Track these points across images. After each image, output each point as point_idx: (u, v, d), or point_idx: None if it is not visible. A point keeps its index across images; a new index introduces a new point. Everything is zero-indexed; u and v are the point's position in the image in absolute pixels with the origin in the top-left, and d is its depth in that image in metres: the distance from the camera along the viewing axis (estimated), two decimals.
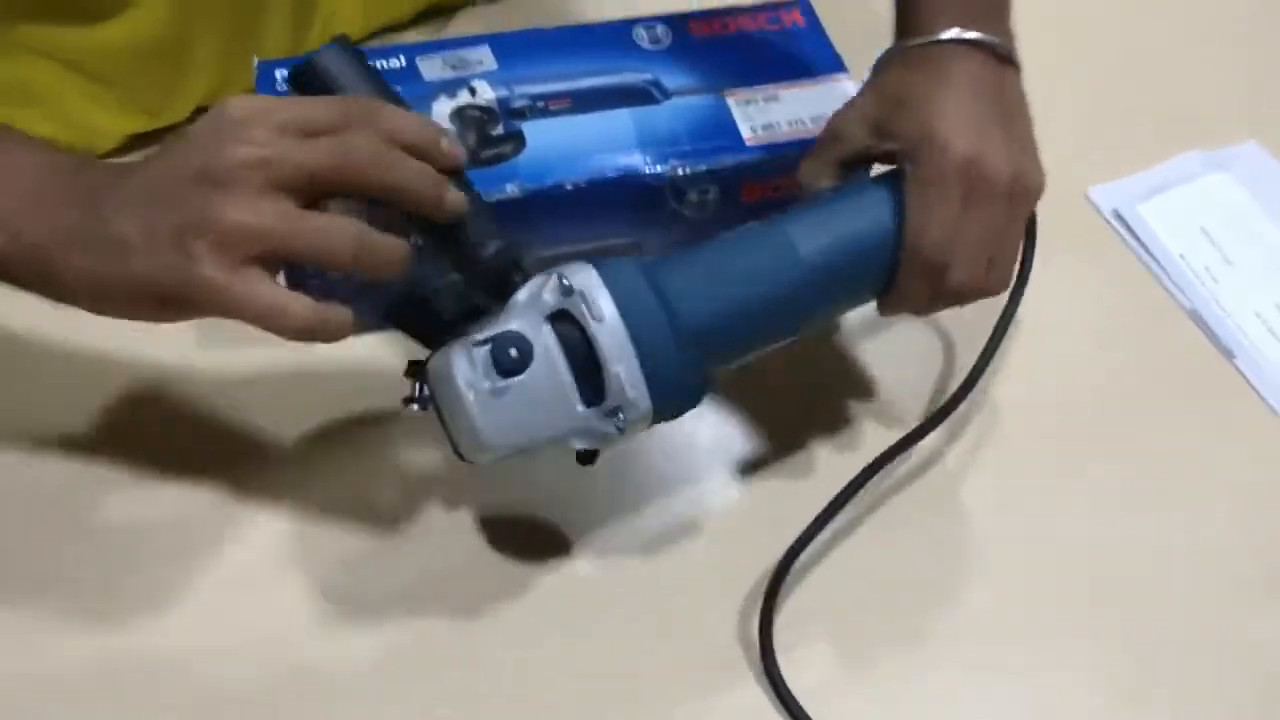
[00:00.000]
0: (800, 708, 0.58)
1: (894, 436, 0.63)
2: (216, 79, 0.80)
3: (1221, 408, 0.71)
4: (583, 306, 0.52)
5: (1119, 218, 0.78)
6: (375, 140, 0.50)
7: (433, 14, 0.89)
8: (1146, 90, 0.87)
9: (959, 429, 0.69)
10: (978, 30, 0.60)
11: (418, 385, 0.54)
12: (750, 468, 0.67)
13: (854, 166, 0.62)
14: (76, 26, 0.74)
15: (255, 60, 0.71)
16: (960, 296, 0.60)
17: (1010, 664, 0.61)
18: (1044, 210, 0.79)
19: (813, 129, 0.66)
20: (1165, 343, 0.74)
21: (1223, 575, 0.64)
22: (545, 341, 0.52)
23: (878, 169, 0.62)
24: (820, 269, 0.58)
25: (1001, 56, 0.60)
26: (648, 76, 0.70)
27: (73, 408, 0.66)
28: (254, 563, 0.61)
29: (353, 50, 0.54)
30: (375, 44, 0.85)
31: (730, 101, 0.69)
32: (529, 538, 0.63)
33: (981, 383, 0.69)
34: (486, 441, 0.52)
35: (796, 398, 0.70)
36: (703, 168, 0.67)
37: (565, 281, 0.52)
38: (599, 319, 0.52)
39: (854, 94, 0.65)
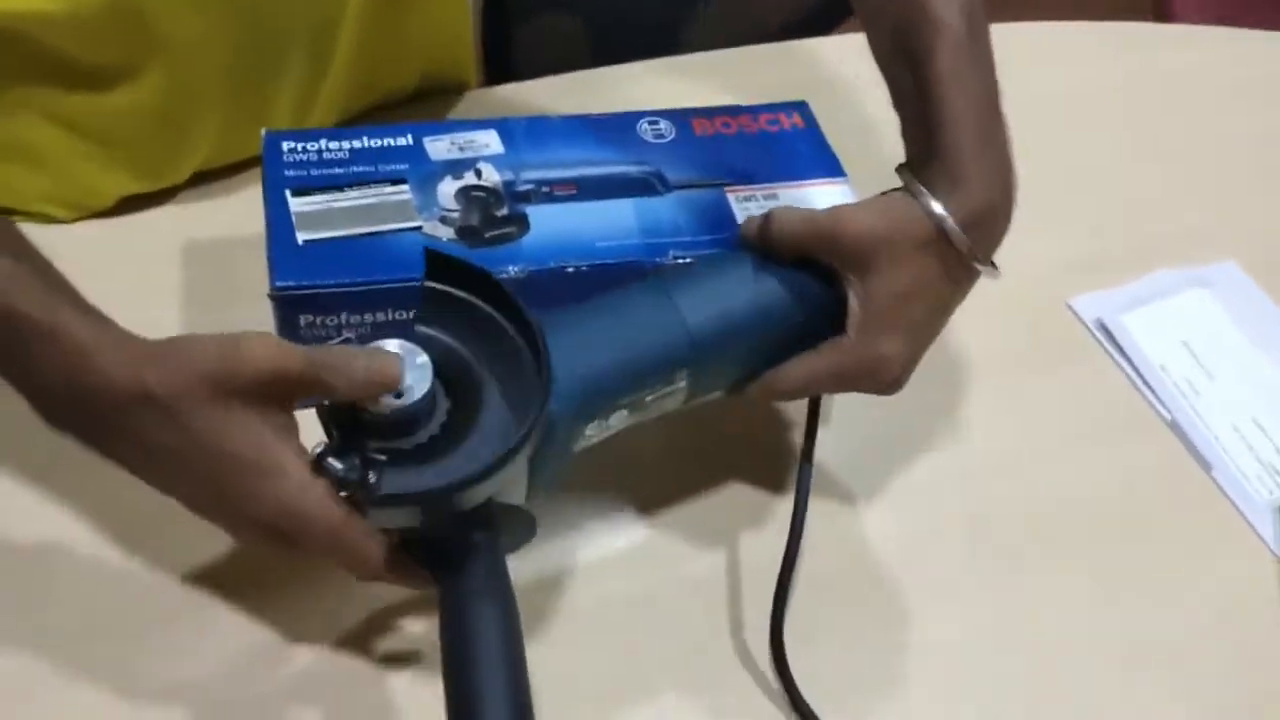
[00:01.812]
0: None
1: None
2: (218, 145, 0.81)
3: (1198, 518, 0.72)
4: None
5: (1102, 327, 0.80)
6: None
7: (437, 92, 0.91)
8: (1126, 208, 0.90)
9: (937, 527, 0.70)
10: (977, 225, 0.59)
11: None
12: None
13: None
14: (82, 92, 0.75)
15: (263, 132, 0.71)
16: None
17: None
18: (1027, 318, 0.81)
19: None
20: (1145, 452, 0.75)
21: (1194, 693, 0.65)
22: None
23: None
24: (705, 347, 0.60)
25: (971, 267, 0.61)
26: (650, 168, 0.71)
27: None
28: None
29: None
30: (380, 119, 0.86)
31: (730, 197, 0.70)
32: None
33: (961, 482, 0.70)
34: None
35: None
36: (701, 256, 0.68)
37: None
38: None
39: (850, 199, 0.67)
